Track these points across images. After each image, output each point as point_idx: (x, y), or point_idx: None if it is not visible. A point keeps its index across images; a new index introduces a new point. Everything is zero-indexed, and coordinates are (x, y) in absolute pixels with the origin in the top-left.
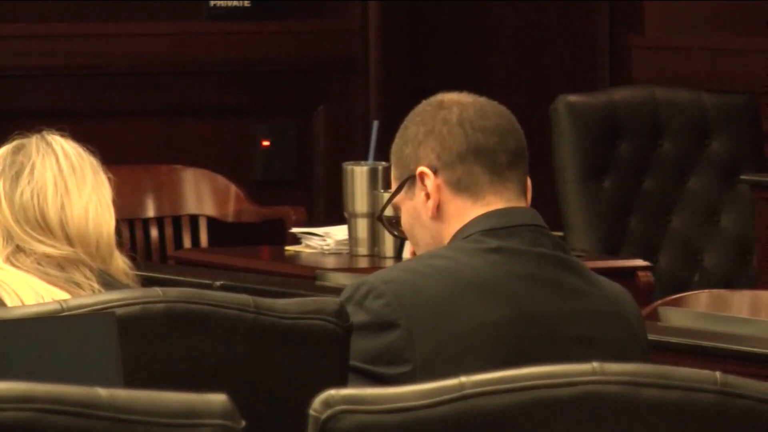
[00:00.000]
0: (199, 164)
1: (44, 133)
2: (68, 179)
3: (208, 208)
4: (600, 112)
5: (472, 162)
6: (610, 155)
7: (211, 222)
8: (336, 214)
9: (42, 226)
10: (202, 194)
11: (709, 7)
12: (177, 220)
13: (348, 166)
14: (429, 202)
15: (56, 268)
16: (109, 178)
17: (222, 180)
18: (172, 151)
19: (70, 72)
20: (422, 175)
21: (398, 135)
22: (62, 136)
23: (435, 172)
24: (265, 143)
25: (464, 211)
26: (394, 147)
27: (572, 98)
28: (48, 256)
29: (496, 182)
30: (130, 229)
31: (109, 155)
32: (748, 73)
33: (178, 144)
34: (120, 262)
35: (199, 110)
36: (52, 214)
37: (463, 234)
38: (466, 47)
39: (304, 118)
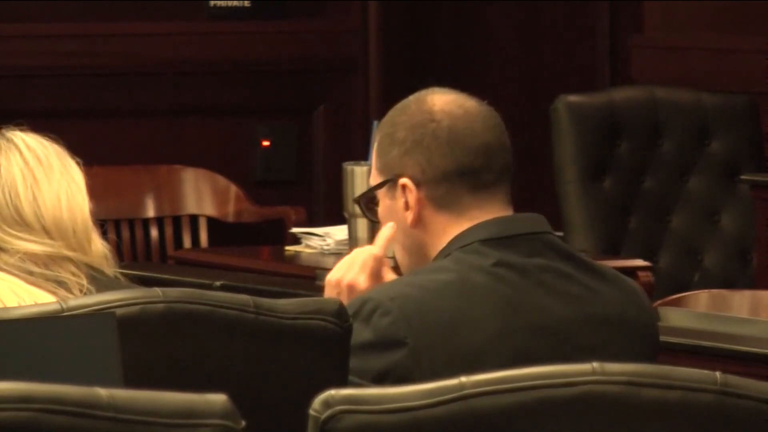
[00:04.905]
0: (199, 164)
1: (3, 130)
2: (35, 170)
3: (208, 208)
4: (600, 112)
5: (456, 181)
6: (610, 155)
7: (211, 222)
8: (336, 214)
9: (19, 222)
10: (202, 194)
11: (709, 7)
12: (177, 220)
13: (348, 166)
14: (408, 213)
15: (41, 266)
16: (77, 162)
17: (222, 180)
18: (172, 151)
19: (70, 72)
20: (404, 186)
21: (385, 129)
22: (22, 130)
23: (418, 185)
24: (265, 143)
25: (447, 228)
26: (380, 139)
27: (572, 98)
28: (31, 254)
29: (480, 198)
30: (130, 229)
31: (109, 155)
32: (748, 73)
33: (178, 144)
34: (99, 246)
35: (199, 110)
36: (26, 207)
37: (461, 242)
38: (466, 47)
39: (304, 118)
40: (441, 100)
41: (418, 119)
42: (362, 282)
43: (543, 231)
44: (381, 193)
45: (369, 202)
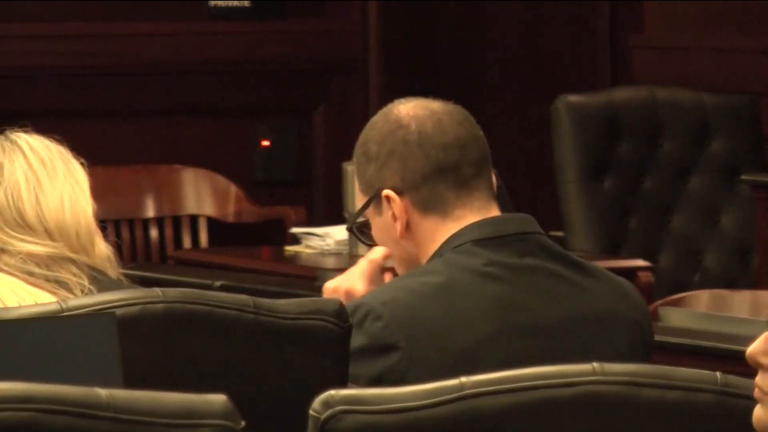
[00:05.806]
0: (199, 164)
1: (7, 132)
2: (39, 173)
3: (208, 208)
4: (600, 112)
5: (437, 181)
6: (610, 155)
7: (211, 222)
8: (336, 214)
9: (21, 224)
10: (202, 194)
11: (709, 7)
12: (177, 220)
13: (348, 166)
14: (396, 223)
15: (42, 267)
16: (81, 164)
17: (222, 180)
18: (172, 151)
19: (70, 72)
20: (388, 197)
21: (359, 150)
22: (25, 132)
23: (400, 193)
24: (265, 143)
25: (435, 233)
26: (357, 160)
27: (572, 98)
28: (33, 255)
29: (462, 196)
30: (130, 229)
31: (110, 155)
32: (748, 73)
33: (178, 144)
34: (102, 248)
35: (199, 110)
36: (29, 210)
37: (453, 243)
38: (466, 47)
39: (304, 118)
40: (406, 107)
41: (386, 130)
42: (360, 288)
43: (533, 231)
44: (370, 213)
45: (362, 227)
